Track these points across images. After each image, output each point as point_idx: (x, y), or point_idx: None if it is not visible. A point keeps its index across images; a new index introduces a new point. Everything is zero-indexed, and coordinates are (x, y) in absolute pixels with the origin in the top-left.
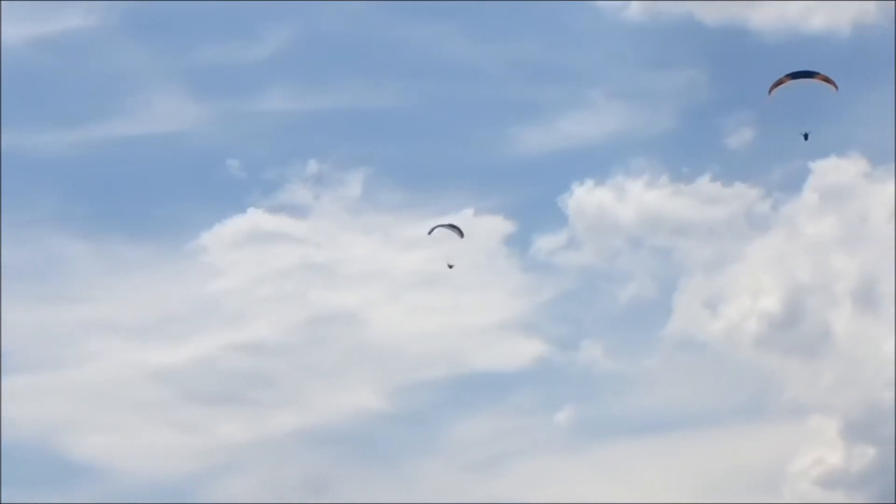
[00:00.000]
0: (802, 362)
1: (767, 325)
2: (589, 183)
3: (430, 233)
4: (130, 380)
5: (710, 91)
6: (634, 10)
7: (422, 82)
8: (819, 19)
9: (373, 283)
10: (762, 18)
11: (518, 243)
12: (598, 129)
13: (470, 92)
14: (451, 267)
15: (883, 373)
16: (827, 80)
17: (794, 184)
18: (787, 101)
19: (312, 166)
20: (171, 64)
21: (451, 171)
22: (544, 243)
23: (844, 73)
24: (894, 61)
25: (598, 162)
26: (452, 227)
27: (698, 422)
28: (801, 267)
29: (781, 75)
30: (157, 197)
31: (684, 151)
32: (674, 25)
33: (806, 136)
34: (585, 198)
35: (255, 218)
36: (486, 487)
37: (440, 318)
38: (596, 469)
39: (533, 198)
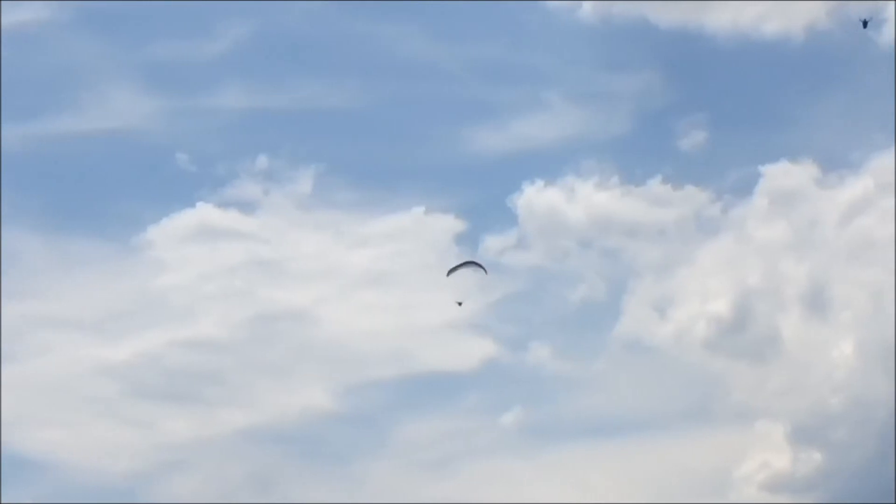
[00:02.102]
0: (751, 366)
1: (716, 328)
2: (539, 183)
3: (448, 274)
4: (77, 375)
5: (664, 94)
6: (586, 12)
7: (377, 81)
8: (772, 25)
9: (323, 280)
10: (716, 22)
11: (468, 242)
12: (551, 131)
13: (425, 92)
14: (460, 304)
15: (831, 378)
16: None
17: (744, 187)
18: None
19: (262, 162)
20: (126, 59)
21: (404, 170)
22: (494, 243)
23: (797, 79)
24: None
25: (549, 163)
26: (470, 265)
27: (646, 425)
28: (751, 271)
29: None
30: (107, 191)
31: (636, 153)
32: (628, 28)
33: (865, 24)
34: (535, 198)
35: (203, 213)
36: (434, 488)
37: (390, 316)
38: (543, 471)
39: (484, 198)
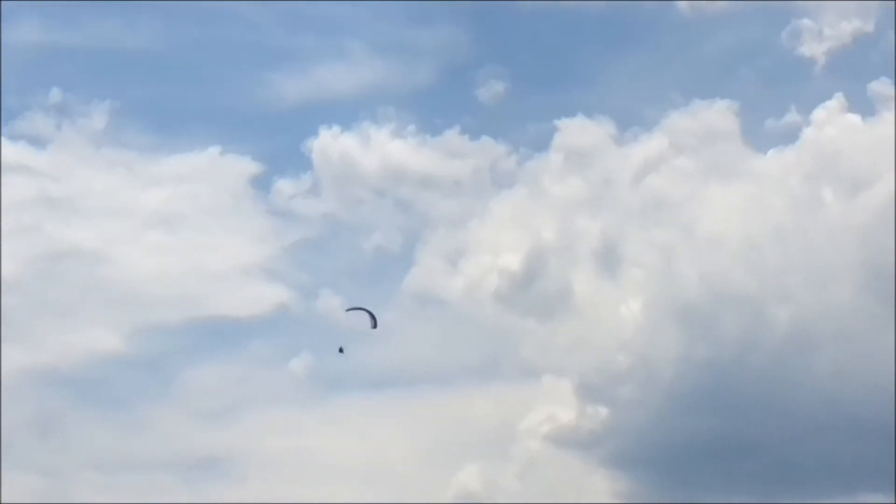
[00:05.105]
0: (540, 322)
1: (508, 282)
2: (335, 129)
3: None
4: None
5: (466, 47)
6: None
7: (177, 23)
8: None
9: (113, 219)
10: None
11: (263, 186)
12: (351, 80)
13: (226, 35)
14: (341, 351)
15: (619, 335)
16: None
17: (541, 142)
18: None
19: (56, 95)
20: None
21: (202, 113)
22: (287, 187)
23: (597, 37)
24: None
25: (347, 110)
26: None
27: (434, 377)
28: (544, 226)
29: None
30: None
31: (435, 103)
32: None
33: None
34: (331, 144)
35: None
36: (219, 435)
37: (181, 259)
38: (328, 420)
39: (281, 142)
